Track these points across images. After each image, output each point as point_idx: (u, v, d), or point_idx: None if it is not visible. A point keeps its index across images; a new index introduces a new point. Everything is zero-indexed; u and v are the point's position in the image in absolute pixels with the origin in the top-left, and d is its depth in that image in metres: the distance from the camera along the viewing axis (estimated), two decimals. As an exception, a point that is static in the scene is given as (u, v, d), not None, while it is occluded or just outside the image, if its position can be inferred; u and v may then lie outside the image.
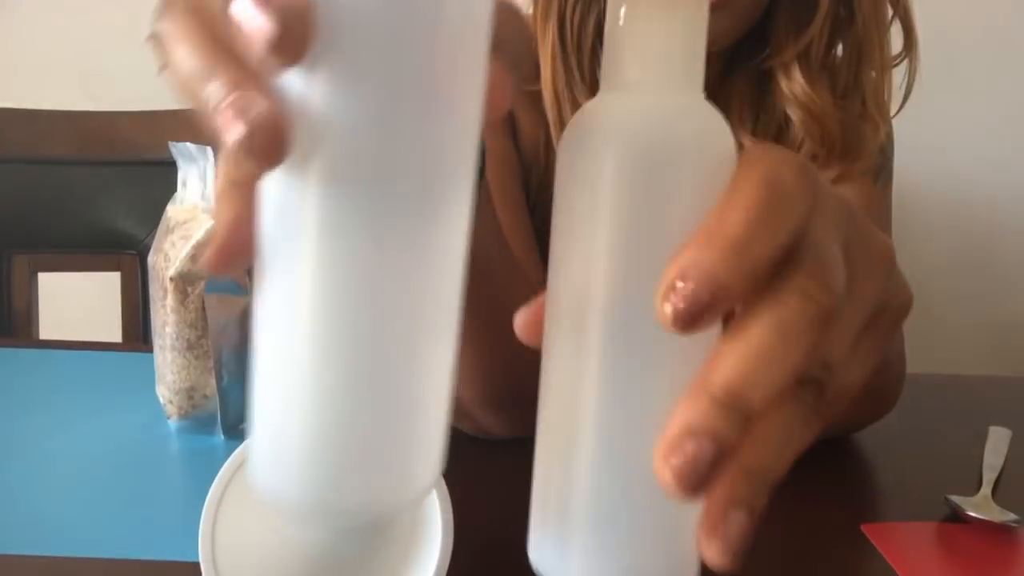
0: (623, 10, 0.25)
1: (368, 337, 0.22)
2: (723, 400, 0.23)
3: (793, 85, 0.66)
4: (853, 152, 0.68)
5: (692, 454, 0.22)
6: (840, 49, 0.67)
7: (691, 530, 0.24)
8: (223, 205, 0.25)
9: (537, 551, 0.26)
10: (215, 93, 0.22)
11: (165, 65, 0.24)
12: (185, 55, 0.24)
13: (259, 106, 0.22)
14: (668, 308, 0.22)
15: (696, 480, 0.22)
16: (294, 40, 0.21)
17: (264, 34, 0.21)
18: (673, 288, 0.23)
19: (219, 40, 0.23)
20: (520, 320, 0.28)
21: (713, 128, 0.25)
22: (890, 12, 0.67)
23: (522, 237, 0.69)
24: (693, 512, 0.24)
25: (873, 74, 0.66)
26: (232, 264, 0.25)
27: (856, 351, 0.27)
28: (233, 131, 0.22)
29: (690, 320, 0.22)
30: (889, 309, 0.28)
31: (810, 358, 0.24)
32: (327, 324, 0.22)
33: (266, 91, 0.22)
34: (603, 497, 0.25)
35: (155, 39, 0.25)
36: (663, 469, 0.22)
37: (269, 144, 0.22)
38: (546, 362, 0.26)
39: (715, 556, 0.23)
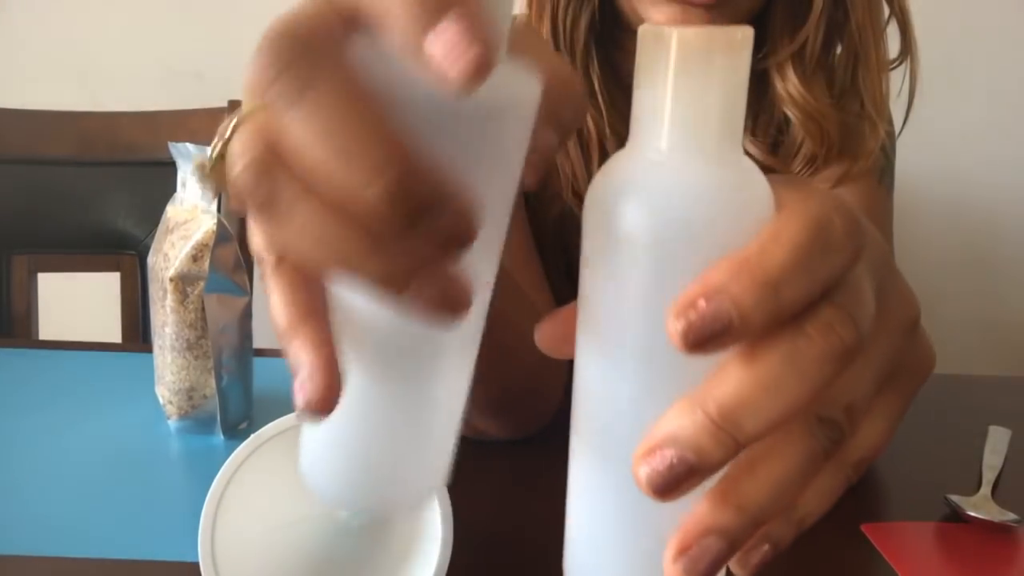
0: (651, 74, 0.23)
1: (403, 387, 0.27)
2: (715, 419, 0.22)
3: (788, 85, 0.66)
4: (853, 152, 0.68)
5: (668, 464, 0.22)
6: (839, 49, 0.67)
7: None
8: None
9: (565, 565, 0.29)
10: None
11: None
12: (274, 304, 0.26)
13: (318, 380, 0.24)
14: (682, 324, 0.22)
15: (666, 487, 0.22)
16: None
17: None
18: (693, 306, 0.22)
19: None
20: (542, 333, 0.28)
21: (747, 198, 0.24)
22: (887, 12, 0.67)
23: (520, 240, 0.69)
24: None
25: (870, 75, 0.66)
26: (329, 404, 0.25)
27: (874, 406, 0.26)
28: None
29: (699, 341, 0.22)
30: (908, 368, 0.28)
31: (820, 395, 0.23)
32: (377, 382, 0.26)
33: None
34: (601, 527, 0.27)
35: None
36: (638, 467, 0.23)
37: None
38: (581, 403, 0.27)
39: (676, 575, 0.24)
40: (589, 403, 0.26)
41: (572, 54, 0.68)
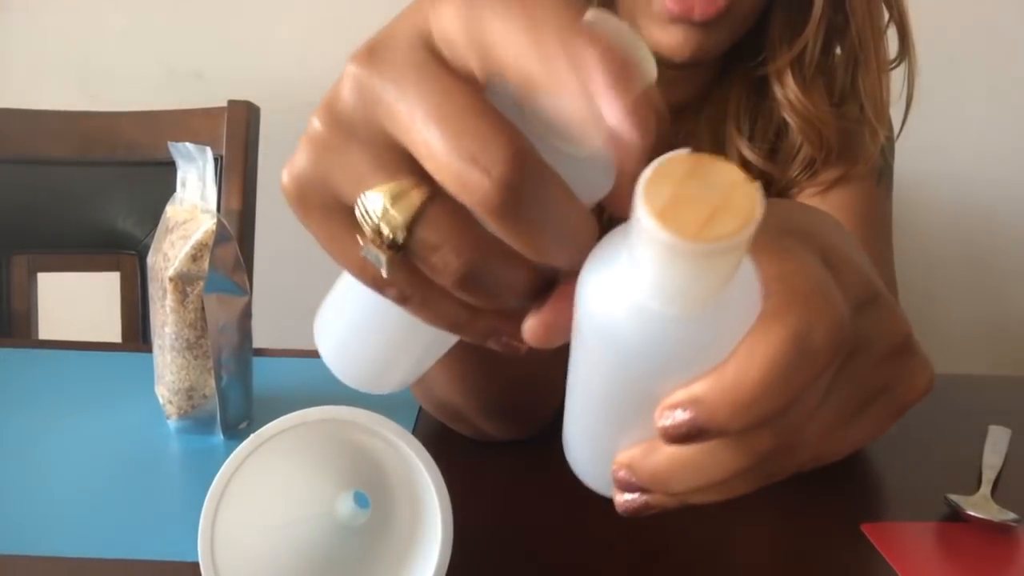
0: (651, 251, 0.21)
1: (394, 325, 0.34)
2: (648, 480, 0.27)
3: (787, 92, 0.66)
4: (852, 156, 0.68)
5: (628, 480, 0.28)
6: (838, 51, 0.67)
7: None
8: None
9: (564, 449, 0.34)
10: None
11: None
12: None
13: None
14: (665, 423, 0.25)
15: (625, 490, 0.28)
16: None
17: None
18: (674, 409, 0.24)
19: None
20: (531, 327, 0.28)
21: (739, 318, 0.24)
22: (886, 15, 0.67)
23: None
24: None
25: (870, 78, 0.66)
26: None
27: (849, 425, 0.28)
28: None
29: (678, 440, 0.25)
30: (891, 391, 0.29)
31: (749, 467, 0.26)
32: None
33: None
34: (581, 429, 0.32)
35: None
36: (615, 469, 0.28)
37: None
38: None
39: (616, 503, 0.29)
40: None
41: None
